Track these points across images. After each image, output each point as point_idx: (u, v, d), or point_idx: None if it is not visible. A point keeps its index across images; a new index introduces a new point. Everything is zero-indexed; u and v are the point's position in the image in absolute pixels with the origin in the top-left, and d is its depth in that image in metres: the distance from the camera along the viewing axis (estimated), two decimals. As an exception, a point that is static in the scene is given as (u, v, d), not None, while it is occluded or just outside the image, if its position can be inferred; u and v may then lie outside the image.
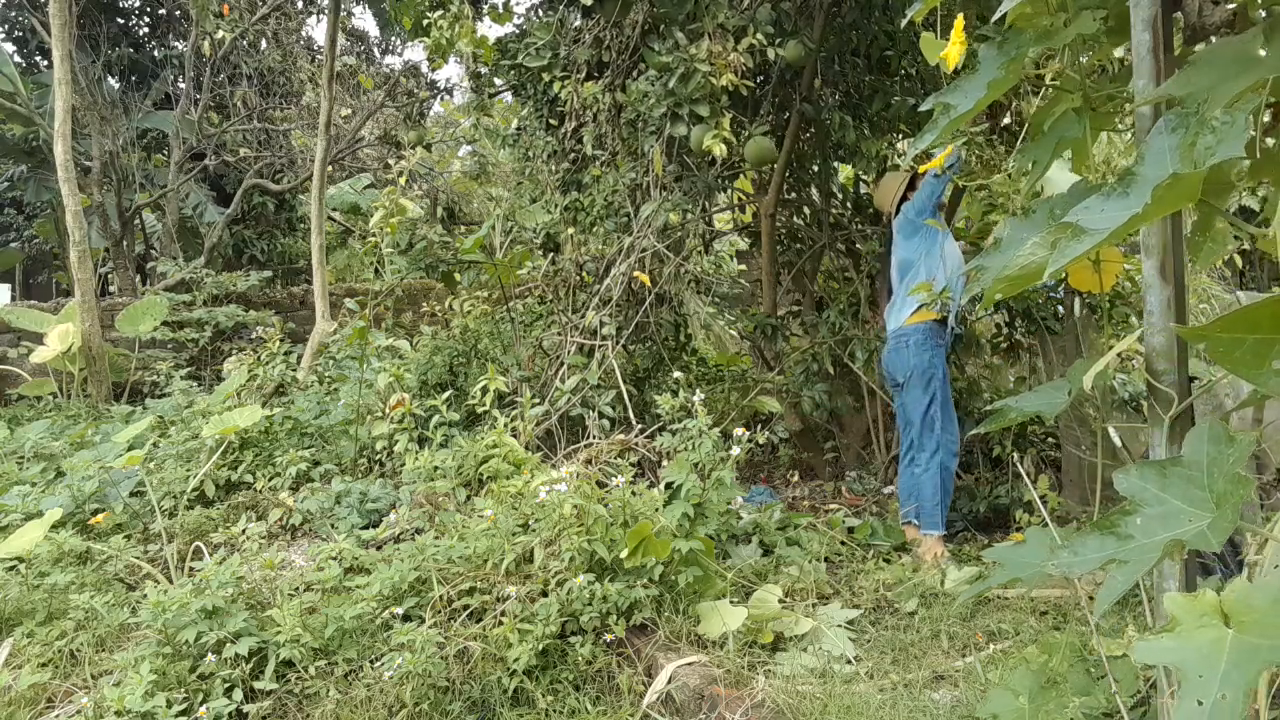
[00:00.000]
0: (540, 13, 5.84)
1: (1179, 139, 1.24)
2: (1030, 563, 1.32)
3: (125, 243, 11.73)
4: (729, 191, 6.20)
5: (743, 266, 8.25)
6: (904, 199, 4.56)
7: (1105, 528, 1.32)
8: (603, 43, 5.23)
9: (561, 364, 5.10)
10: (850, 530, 4.40)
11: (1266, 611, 1.03)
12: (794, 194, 5.93)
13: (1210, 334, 1.09)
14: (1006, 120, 4.60)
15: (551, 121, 5.52)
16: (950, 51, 1.69)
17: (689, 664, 2.99)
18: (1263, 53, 1.31)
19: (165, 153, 13.46)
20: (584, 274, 5.39)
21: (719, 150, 4.41)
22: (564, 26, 5.35)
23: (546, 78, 5.27)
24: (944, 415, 4.25)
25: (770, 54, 4.60)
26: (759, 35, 4.51)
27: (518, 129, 5.83)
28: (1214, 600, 1.08)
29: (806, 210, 6.02)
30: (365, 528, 4.44)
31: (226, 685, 2.94)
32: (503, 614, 3.13)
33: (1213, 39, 1.59)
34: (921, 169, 4.14)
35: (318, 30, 17.85)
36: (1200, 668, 1.01)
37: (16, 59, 13.34)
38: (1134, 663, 2.46)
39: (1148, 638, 1.11)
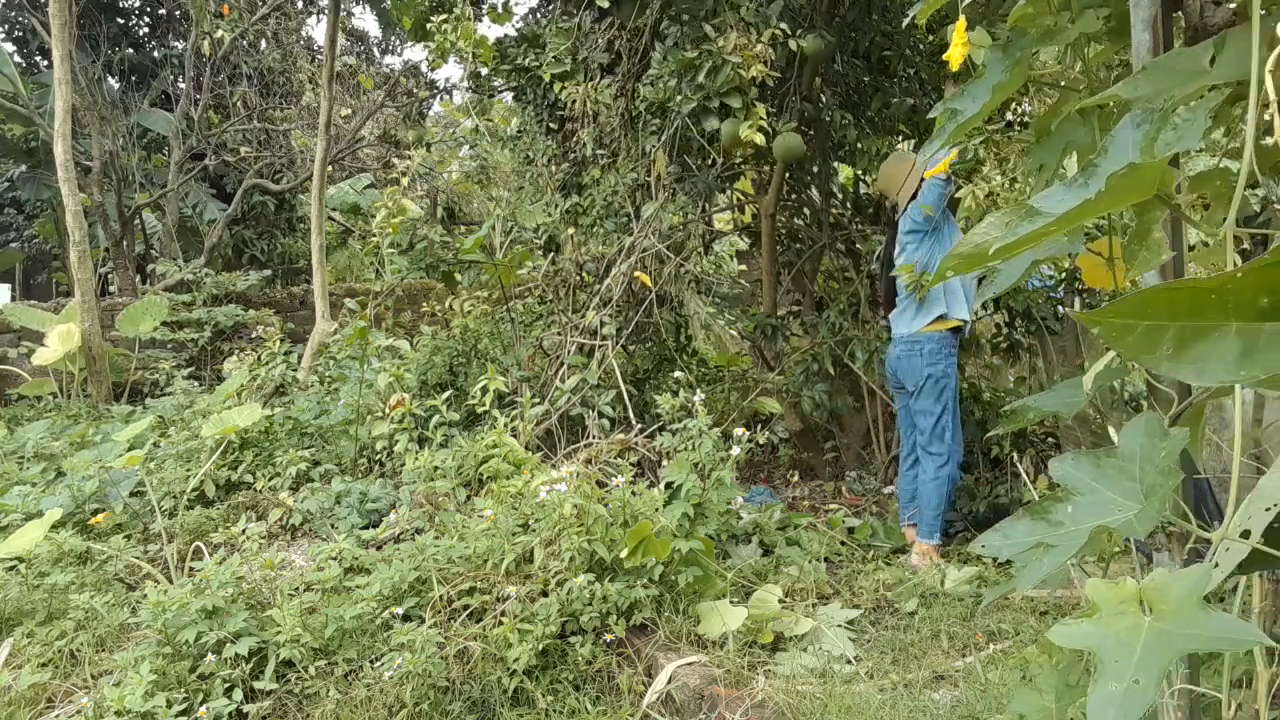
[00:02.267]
0: (541, 17, 5.82)
1: (1143, 134, 1.26)
2: (1023, 543, 1.35)
3: (125, 243, 11.73)
4: (729, 192, 6.20)
5: (743, 266, 8.26)
6: (912, 197, 4.53)
7: (1037, 513, 1.36)
8: (613, 45, 5.22)
9: (561, 364, 5.10)
10: (850, 530, 4.40)
11: (1183, 601, 1.05)
12: (794, 194, 5.93)
13: (1103, 319, 1.10)
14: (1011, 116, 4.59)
15: (551, 125, 5.52)
16: (952, 53, 1.69)
17: (689, 664, 2.99)
18: (1209, 65, 1.34)
19: (165, 153, 13.47)
20: (584, 274, 5.39)
21: (759, 139, 4.37)
22: (580, 30, 5.33)
23: (546, 77, 5.26)
24: (953, 425, 4.20)
25: (792, 45, 4.58)
26: (780, 26, 4.49)
27: (518, 130, 5.83)
28: (1134, 588, 1.11)
29: (806, 210, 6.02)
30: (365, 528, 4.44)
31: (226, 685, 2.94)
32: (503, 614, 3.13)
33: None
34: (928, 174, 4.10)
35: (318, 30, 17.86)
36: (1117, 653, 1.04)
37: (16, 59, 13.35)
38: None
39: (1067, 622, 1.13)
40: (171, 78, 13.75)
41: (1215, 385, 1.06)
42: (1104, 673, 1.03)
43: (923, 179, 4.51)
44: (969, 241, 1.37)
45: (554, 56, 5.21)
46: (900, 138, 5.64)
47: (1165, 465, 1.25)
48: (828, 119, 5.30)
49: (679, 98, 4.61)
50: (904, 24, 4.60)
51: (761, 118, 4.39)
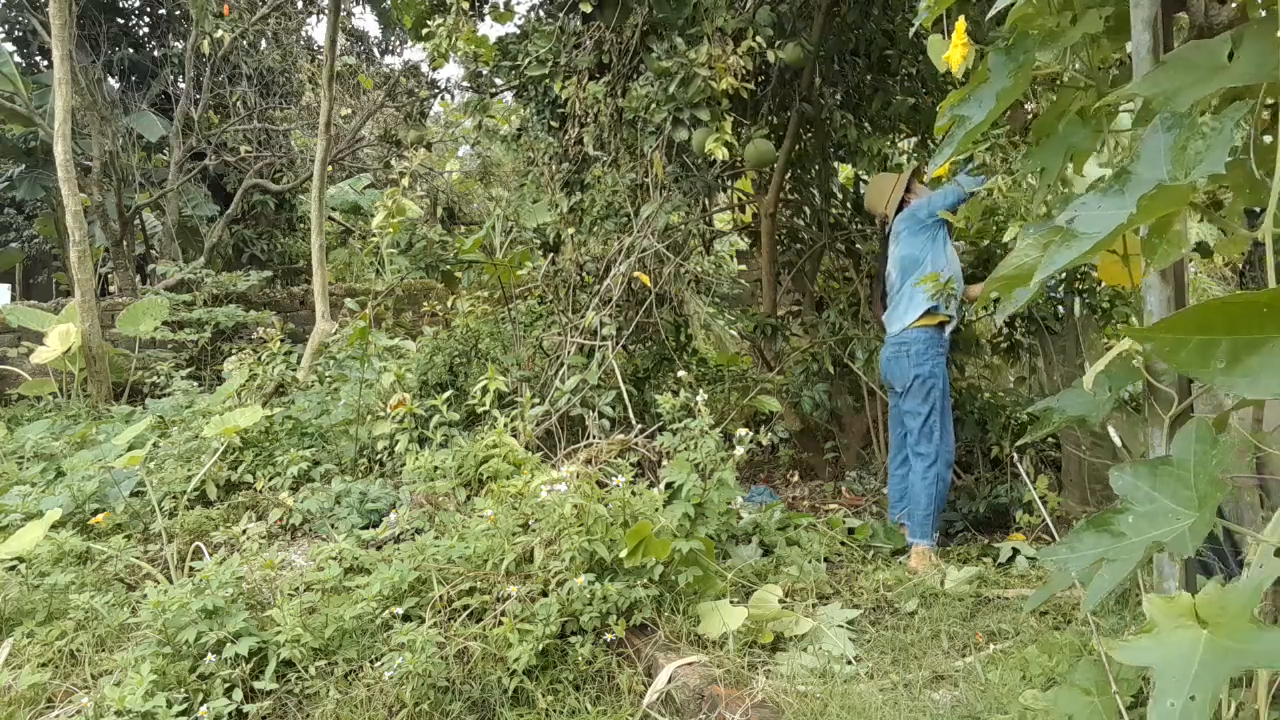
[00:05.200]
0: (539, 17, 5.82)
1: (1173, 139, 1.26)
2: (1089, 555, 1.34)
3: (125, 243, 11.73)
4: (729, 191, 6.20)
5: (743, 266, 8.24)
6: (903, 202, 4.53)
7: (1100, 525, 1.36)
8: (603, 46, 5.22)
9: (561, 364, 5.10)
10: (850, 531, 4.40)
11: (1238, 614, 1.05)
12: (794, 194, 5.93)
13: (1155, 335, 1.11)
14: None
15: (553, 124, 5.51)
16: (952, 54, 1.69)
17: (689, 664, 2.99)
18: (1227, 60, 1.33)
19: (165, 152, 13.47)
20: (584, 274, 5.39)
21: (721, 154, 4.40)
22: (564, 32, 5.33)
23: (548, 80, 5.26)
24: (942, 424, 4.17)
25: (770, 56, 4.59)
26: (758, 38, 4.50)
27: (519, 130, 5.83)
28: (1189, 602, 1.10)
29: (806, 210, 6.02)
30: (365, 528, 4.44)
31: (226, 685, 2.94)
32: (503, 614, 3.13)
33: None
34: (937, 172, 4.10)
35: (318, 30, 17.84)
36: (1175, 669, 1.04)
37: (17, 59, 13.33)
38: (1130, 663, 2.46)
39: (1130, 639, 1.14)
40: (171, 78, 13.75)
41: (1269, 397, 1.06)
42: (1162, 690, 1.02)
43: (913, 177, 4.53)
44: (1010, 264, 1.37)
45: (535, 58, 5.20)
46: (901, 137, 5.64)
47: (1215, 475, 1.25)
48: (828, 119, 5.29)
49: (653, 106, 4.62)
50: (910, 32, 4.61)
51: (728, 132, 4.41)
